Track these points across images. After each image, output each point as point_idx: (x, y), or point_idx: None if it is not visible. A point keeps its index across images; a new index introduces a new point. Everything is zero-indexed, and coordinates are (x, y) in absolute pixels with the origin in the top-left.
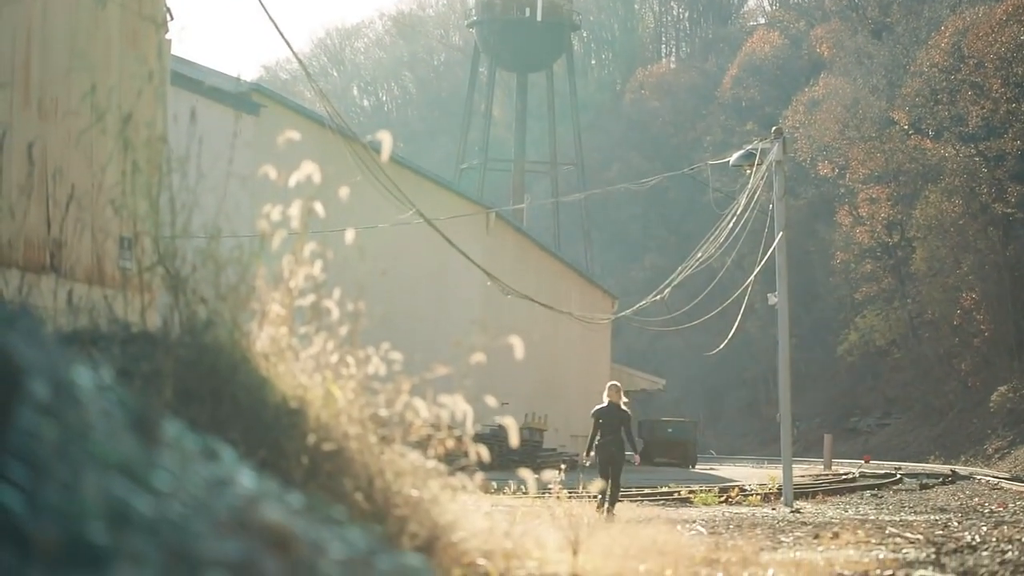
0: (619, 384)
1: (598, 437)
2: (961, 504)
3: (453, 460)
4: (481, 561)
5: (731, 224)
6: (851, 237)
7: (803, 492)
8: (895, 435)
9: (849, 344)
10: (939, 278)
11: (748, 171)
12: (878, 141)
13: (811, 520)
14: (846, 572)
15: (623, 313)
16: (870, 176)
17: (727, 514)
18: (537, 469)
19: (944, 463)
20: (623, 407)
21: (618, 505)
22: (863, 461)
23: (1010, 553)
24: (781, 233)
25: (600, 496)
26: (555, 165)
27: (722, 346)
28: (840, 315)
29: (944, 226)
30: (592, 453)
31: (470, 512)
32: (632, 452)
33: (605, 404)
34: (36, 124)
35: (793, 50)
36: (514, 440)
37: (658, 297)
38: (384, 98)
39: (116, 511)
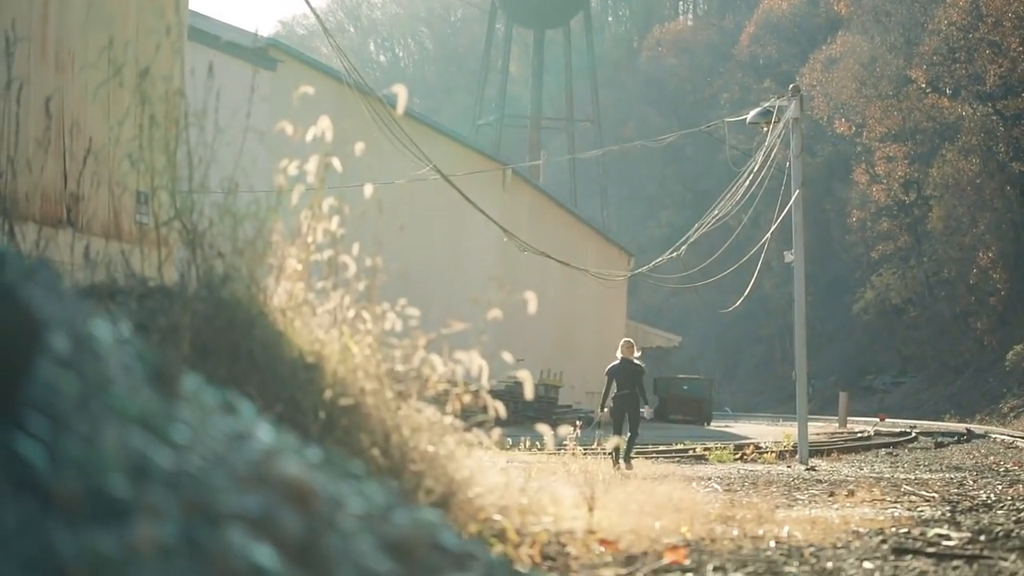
0: (632, 340)
1: (613, 391)
2: (976, 462)
3: (469, 416)
4: (497, 517)
5: (747, 182)
6: (868, 195)
7: (818, 450)
8: (910, 393)
9: (865, 302)
10: (955, 237)
11: (765, 129)
12: (895, 99)
13: (826, 478)
14: (861, 530)
15: (639, 270)
16: (887, 134)
17: (742, 471)
18: (553, 426)
19: (959, 421)
20: (636, 362)
21: (633, 462)
22: (878, 419)
23: None
24: (798, 191)
25: (614, 452)
26: (572, 122)
27: (738, 304)
28: (856, 273)
29: (961, 185)
30: (606, 409)
31: (486, 468)
32: (645, 405)
33: (618, 361)
34: (53, 78)
35: (810, 7)
36: (529, 393)
37: (674, 254)
38: (401, 54)
39: (135, 464)
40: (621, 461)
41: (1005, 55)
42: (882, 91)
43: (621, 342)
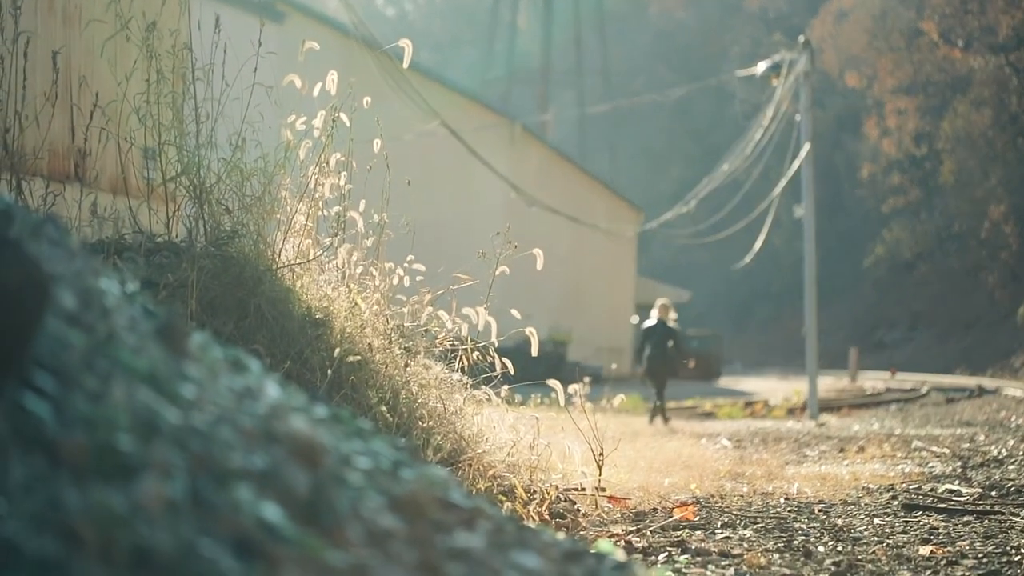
0: (668, 303)
1: (647, 351)
2: (987, 418)
3: (477, 372)
4: (506, 474)
5: (757, 136)
6: (878, 149)
7: (828, 406)
8: (921, 349)
9: (875, 257)
10: (967, 190)
11: (775, 82)
12: (906, 52)
13: (836, 434)
14: (872, 486)
15: (649, 225)
16: (898, 87)
17: (752, 427)
18: (562, 382)
19: (970, 377)
20: (671, 324)
21: (638, 420)
22: (889, 374)
23: None
24: (807, 145)
25: (655, 403)
26: (581, 76)
27: (748, 259)
28: (867, 228)
29: (973, 138)
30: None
31: (495, 425)
32: (683, 359)
33: (655, 321)
34: (60, 31)
35: None
36: (534, 350)
37: (684, 209)
38: (408, 8)
39: (144, 421)
40: (658, 418)
41: (1018, 6)
42: (893, 43)
43: (658, 303)
